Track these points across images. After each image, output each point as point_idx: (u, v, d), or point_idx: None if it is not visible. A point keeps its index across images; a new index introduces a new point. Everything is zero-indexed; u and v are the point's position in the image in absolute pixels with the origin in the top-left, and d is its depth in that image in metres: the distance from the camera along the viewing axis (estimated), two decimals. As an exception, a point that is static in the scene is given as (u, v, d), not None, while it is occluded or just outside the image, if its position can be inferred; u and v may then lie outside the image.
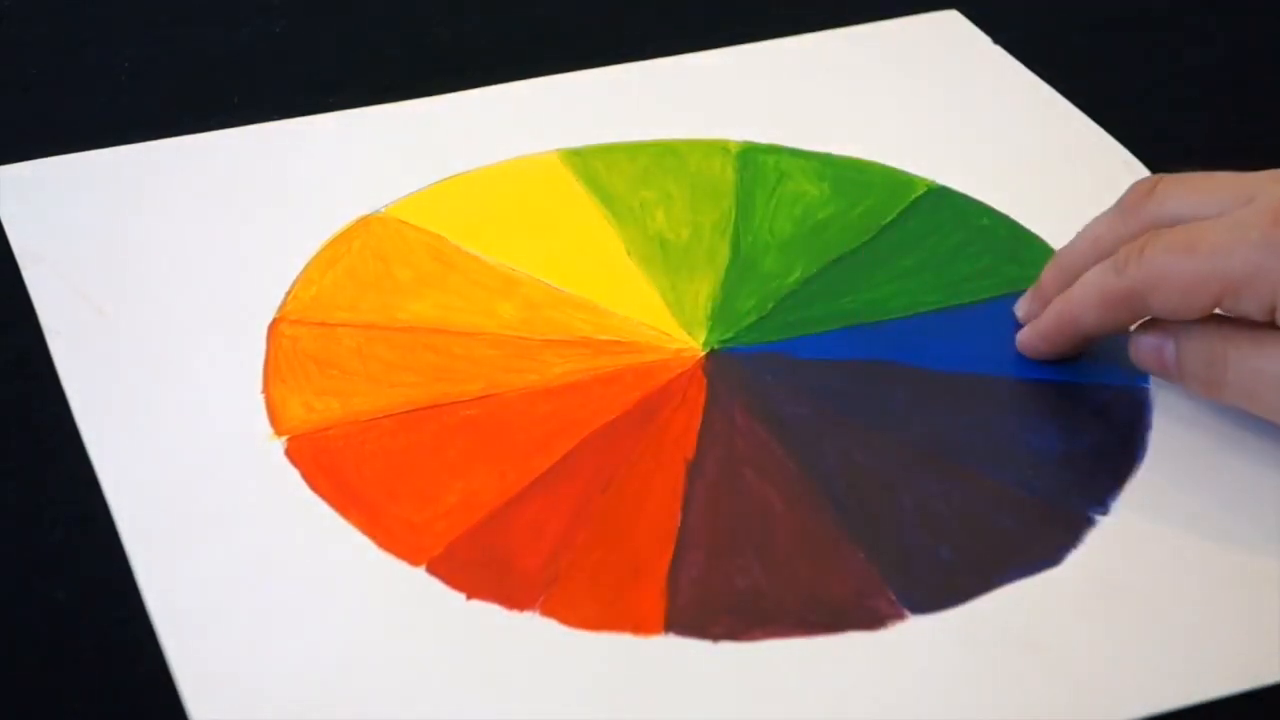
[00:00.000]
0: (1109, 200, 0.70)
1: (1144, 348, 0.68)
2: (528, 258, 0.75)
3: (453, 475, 0.66)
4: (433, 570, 0.63)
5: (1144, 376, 0.70)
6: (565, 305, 0.73)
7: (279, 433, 0.68)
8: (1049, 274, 0.72)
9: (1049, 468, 0.67)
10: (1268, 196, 0.65)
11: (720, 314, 0.73)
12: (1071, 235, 0.71)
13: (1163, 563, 0.64)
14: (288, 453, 0.67)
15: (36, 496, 0.66)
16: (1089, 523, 0.65)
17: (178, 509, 0.65)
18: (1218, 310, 0.66)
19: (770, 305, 0.74)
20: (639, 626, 0.61)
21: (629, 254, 0.76)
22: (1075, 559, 0.64)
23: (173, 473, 0.66)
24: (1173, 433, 0.68)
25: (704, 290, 0.74)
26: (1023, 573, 0.63)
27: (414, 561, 0.63)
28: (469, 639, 0.61)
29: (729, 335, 0.73)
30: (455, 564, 0.63)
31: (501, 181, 0.80)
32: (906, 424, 0.69)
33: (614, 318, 0.73)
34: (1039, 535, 0.65)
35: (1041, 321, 0.71)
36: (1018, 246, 0.77)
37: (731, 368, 0.71)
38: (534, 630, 0.61)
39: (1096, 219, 0.71)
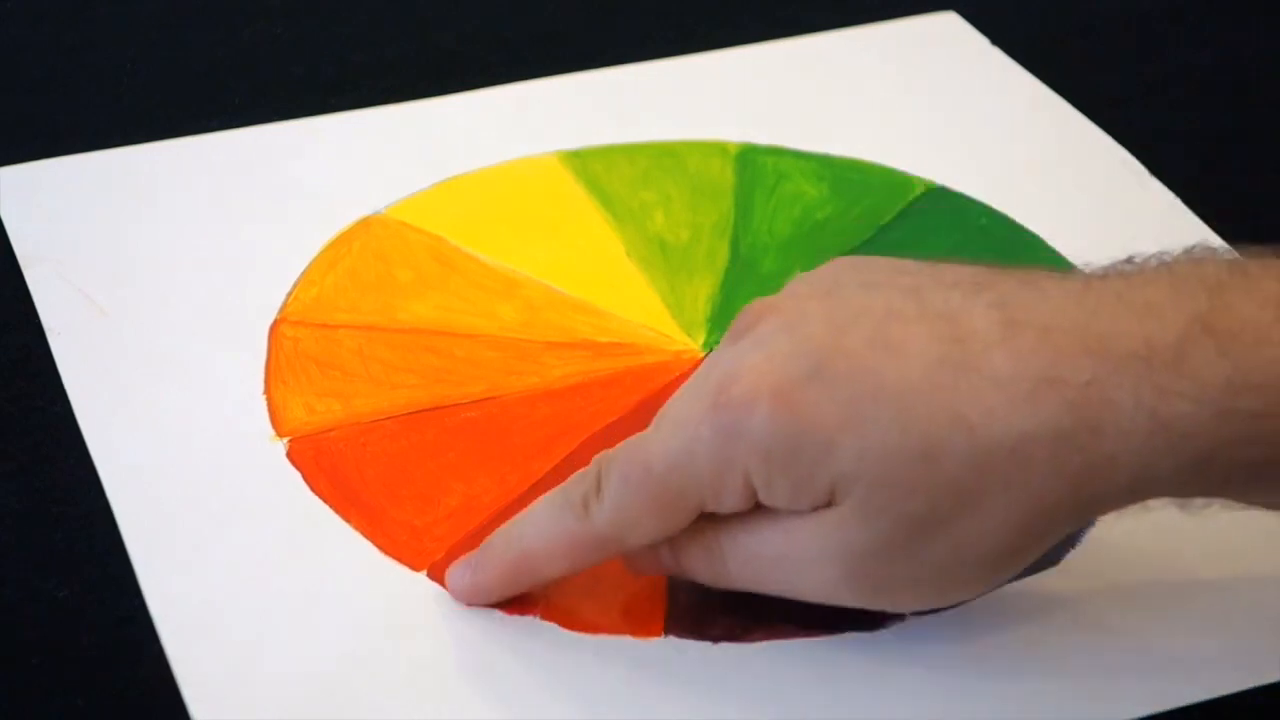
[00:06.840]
0: (1107, 199, 0.70)
1: (638, 554, 0.61)
2: (528, 259, 0.76)
3: (453, 478, 0.66)
4: (434, 575, 0.63)
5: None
6: (565, 307, 0.73)
7: (280, 434, 0.68)
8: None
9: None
10: (698, 379, 0.59)
11: (720, 315, 0.73)
12: (1069, 234, 0.71)
13: (1162, 563, 0.64)
14: (289, 454, 0.67)
15: (37, 496, 0.66)
16: (1088, 523, 0.65)
17: (179, 510, 0.65)
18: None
19: (770, 306, 0.74)
20: (638, 628, 0.62)
21: (629, 255, 0.76)
22: (1075, 559, 0.64)
23: (174, 474, 0.66)
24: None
25: (703, 292, 0.74)
26: (1023, 573, 0.63)
27: (415, 566, 0.63)
28: (470, 642, 0.61)
29: (728, 336, 0.73)
30: (456, 567, 0.63)
31: (501, 183, 0.80)
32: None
33: (614, 320, 0.73)
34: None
35: (487, 569, 0.62)
36: (1016, 246, 0.77)
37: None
38: (534, 633, 0.61)
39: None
